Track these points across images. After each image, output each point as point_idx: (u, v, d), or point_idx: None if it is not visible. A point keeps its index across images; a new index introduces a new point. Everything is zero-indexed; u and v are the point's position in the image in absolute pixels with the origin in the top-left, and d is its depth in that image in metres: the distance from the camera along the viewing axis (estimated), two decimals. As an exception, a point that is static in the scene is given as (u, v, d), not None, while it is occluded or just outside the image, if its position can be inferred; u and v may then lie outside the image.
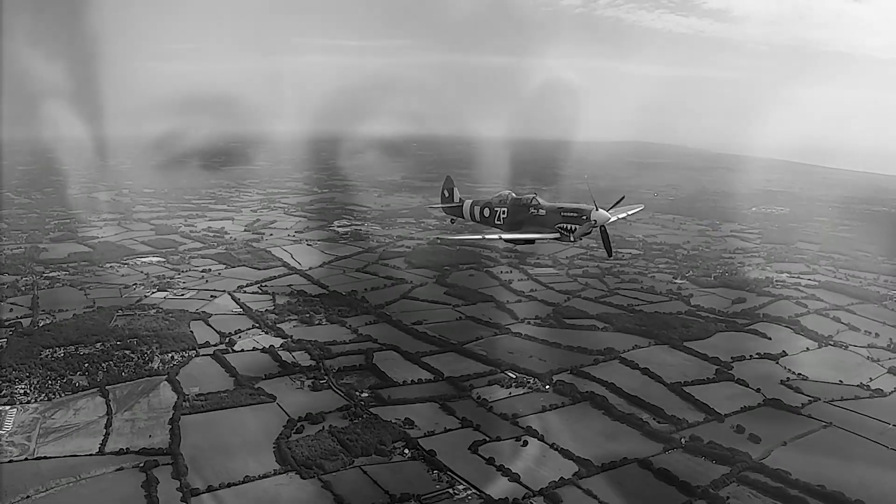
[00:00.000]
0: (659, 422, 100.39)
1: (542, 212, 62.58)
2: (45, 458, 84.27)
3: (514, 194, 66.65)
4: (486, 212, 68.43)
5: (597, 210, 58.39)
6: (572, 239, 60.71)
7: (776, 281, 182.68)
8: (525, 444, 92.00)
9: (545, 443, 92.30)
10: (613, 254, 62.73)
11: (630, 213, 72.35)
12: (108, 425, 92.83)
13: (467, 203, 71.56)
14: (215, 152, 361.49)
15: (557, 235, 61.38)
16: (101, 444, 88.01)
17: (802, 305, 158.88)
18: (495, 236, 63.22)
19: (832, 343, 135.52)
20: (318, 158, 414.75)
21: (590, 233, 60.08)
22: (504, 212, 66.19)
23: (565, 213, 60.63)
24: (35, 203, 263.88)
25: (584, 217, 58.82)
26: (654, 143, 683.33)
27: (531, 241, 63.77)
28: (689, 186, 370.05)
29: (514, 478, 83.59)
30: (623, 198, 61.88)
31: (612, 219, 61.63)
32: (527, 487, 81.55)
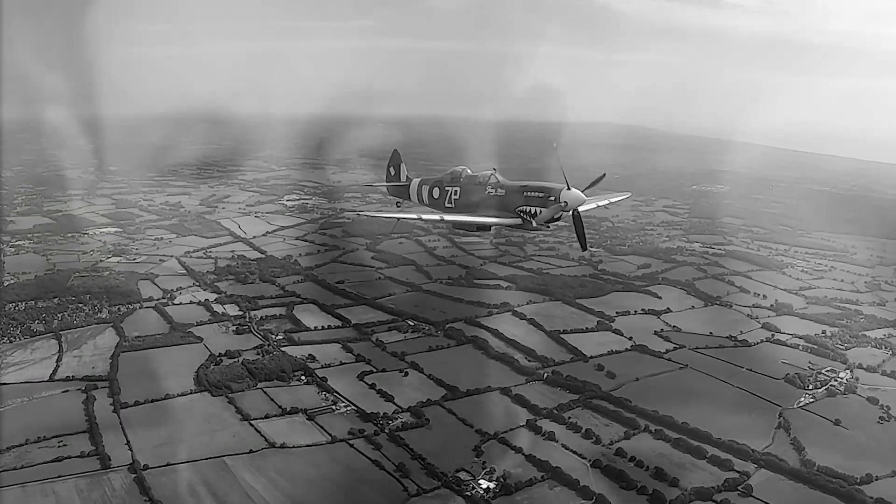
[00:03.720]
0: (529, 360, 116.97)
1: (502, 191, 52.15)
2: (4, 384, 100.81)
3: (468, 170, 56.57)
4: (436, 192, 57.96)
5: (568, 189, 47.81)
6: (534, 225, 50.31)
7: (686, 250, 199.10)
8: (406, 374, 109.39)
9: (423, 374, 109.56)
10: (588, 247, 52.98)
11: (613, 200, 61.93)
12: (58, 360, 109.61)
13: (415, 182, 61.46)
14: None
15: (519, 221, 50.83)
16: (51, 374, 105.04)
17: (702, 271, 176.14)
18: (436, 217, 53.14)
19: (718, 303, 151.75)
20: (283, 139, 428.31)
21: (559, 218, 49.48)
22: (456, 192, 56.04)
23: (529, 194, 49.98)
24: (4, 180, 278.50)
25: (552, 198, 48.36)
26: (622, 125, 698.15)
27: (486, 228, 53.32)
28: (641, 166, 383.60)
29: (389, 398, 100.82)
30: (603, 175, 50.02)
31: (590, 205, 52.98)
32: (397, 405, 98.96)
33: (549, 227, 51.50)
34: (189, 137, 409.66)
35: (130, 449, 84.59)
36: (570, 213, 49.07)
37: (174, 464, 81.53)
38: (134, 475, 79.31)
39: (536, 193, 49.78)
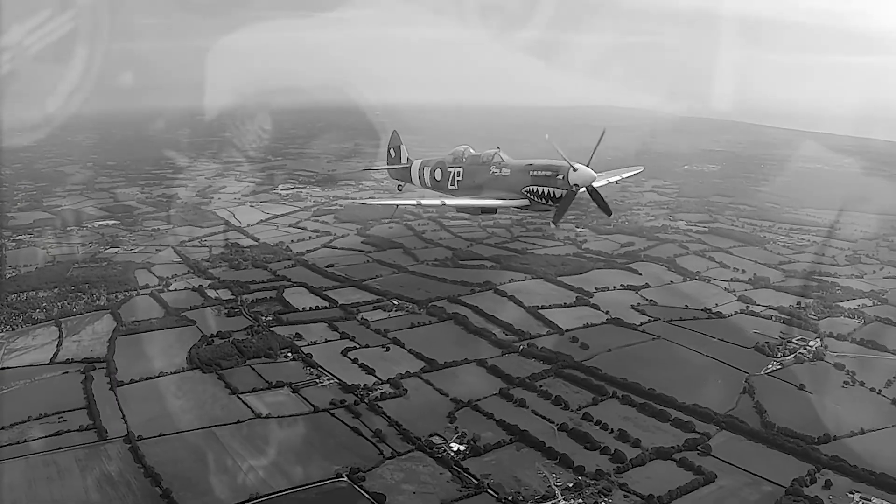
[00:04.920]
0: (506, 334, 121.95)
1: (507, 171, 50.12)
2: (8, 368, 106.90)
3: (471, 150, 54.70)
4: (438, 174, 55.66)
5: (574, 170, 45.42)
6: (553, 224, 47.86)
7: (670, 228, 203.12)
8: (387, 349, 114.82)
9: (404, 348, 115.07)
10: (612, 212, 50.24)
11: (625, 175, 58.05)
12: (58, 345, 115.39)
13: (416, 164, 59.51)
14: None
15: (526, 202, 48.63)
16: (52, 357, 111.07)
17: (684, 248, 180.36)
18: (437, 202, 51.66)
19: (697, 278, 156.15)
20: (279, 128, 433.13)
21: (569, 204, 46.97)
22: (459, 173, 53.53)
23: (535, 173, 47.90)
24: (4, 178, 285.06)
25: (560, 176, 46.34)
26: (613, 106, 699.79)
27: (491, 210, 51.23)
28: (632, 147, 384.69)
29: (370, 371, 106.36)
30: (603, 132, 47.66)
31: (601, 181, 49.89)
32: (378, 378, 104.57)
33: (559, 222, 48.77)
34: (186, 131, 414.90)
35: (126, 422, 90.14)
36: (585, 189, 46.42)
37: (167, 434, 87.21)
38: (129, 445, 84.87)
39: (543, 172, 47.53)
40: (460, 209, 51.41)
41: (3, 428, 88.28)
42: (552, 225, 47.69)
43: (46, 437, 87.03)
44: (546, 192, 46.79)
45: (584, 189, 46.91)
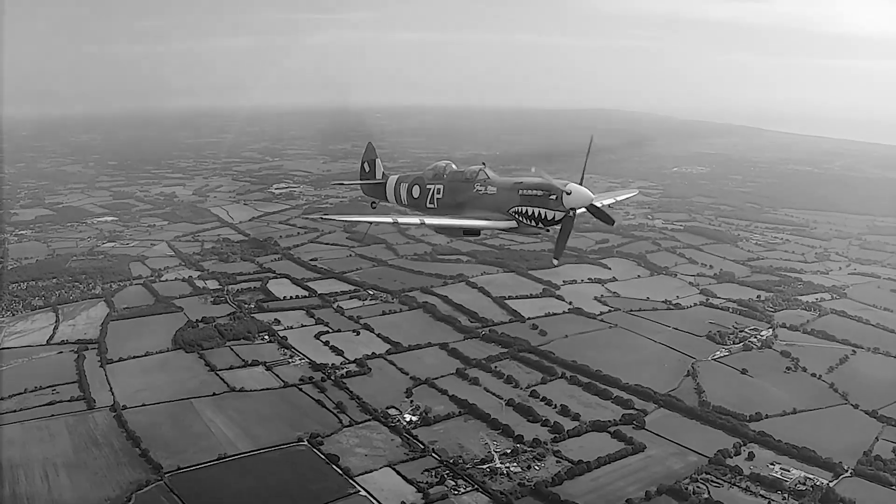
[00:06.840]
0: (471, 321, 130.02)
1: (493, 189, 45.14)
2: (8, 348, 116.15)
3: (453, 166, 49.31)
4: (416, 191, 51.02)
5: (567, 193, 40.49)
6: (555, 260, 41.69)
7: (647, 226, 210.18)
8: (358, 334, 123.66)
9: (374, 333, 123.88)
10: (614, 221, 42.97)
11: (619, 198, 54.07)
12: (55, 329, 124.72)
13: (392, 179, 54.36)
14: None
15: (513, 224, 43.82)
16: (48, 339, 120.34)
17: (657, 245, 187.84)
18: (415, 221, 45.18)
19: (664, 272, 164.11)
20: (281, 130, 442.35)
21: (569, 234, 40.84)
22: (439, 190, 48.87)
23: (526, 192, 42.70)
24: (8, 177, 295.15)
25: (554, 196, 40.91)
26: (610, 109, 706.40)
27: (475, 232, 45.53)
28: (625, 150, 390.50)
29: (339, 352, 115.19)
30: (591, 139, 42.06)
31: (602, 202, 44.39)
32: (346, 358, 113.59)
33: (548, 230, 43.30)
34: (187, 132, 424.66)
35: (112, 394, 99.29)
36: (567, 212, 41.27)
37: (148, 404, 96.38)
38: (114, 413, 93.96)
39: (534, 192, 42.03)
40: (440, 230, 46.26)
41: (2, 399, 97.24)
42: (554, 261, 42.01)
43: (41, 406, 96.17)
44: (537, 214, 41.02)
45: (570, 211, 40.23)
